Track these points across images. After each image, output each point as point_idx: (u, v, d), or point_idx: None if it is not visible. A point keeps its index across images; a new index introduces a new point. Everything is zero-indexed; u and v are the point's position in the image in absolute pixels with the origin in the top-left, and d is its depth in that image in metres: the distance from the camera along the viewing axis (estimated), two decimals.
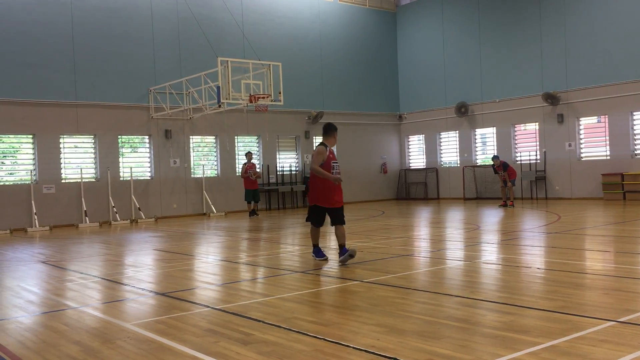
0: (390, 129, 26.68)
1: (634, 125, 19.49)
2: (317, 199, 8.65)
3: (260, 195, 19.77)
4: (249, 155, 18.97)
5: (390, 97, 26.71)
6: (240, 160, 22.18)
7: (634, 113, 19.40)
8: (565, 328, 4.65)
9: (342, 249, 8.44)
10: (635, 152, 19.42)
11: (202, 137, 21.55)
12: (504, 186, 19.21)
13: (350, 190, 24.19)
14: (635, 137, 19.49)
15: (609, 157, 19.93)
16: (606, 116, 20.06)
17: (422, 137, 26.24)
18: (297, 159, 23.74)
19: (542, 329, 4.70)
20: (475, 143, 24.46)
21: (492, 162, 20.06)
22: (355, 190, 24.52)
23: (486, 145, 24.30)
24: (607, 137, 20.05)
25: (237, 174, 21.89)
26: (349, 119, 24.95)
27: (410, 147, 27.02)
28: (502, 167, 19.17)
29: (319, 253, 8.93)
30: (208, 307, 6.09)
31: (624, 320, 4.77)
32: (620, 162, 19.56)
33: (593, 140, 20.84)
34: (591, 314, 5.07)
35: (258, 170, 19.67)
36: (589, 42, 20.24)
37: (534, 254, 9.20)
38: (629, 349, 4.08)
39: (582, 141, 20.99)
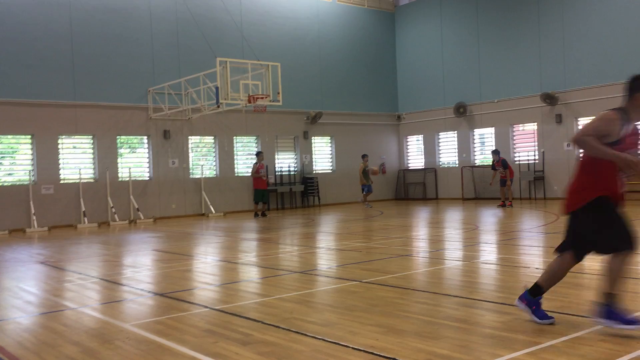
0: (389, 129, 26.69)
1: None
2: (602, 189, 4.65)
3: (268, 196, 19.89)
4: (260, 155, 19.05)
5: (389, 97, 26.72)
6: (239, 161, 22.20)
7: None
8: (564, 328, 4.66)
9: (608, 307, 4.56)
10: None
11: (201, 137, 21.55)
12: (502, 186, 19.03)
13: (349, 190, 24.21)
14: None
15: None
16: None
17: (420, 137, 26.25)
18: (295, 159, 23.74)
19: (541, 329, 4.71)
20: (474, 143, 24.48)
21: (492, 158, 19.65)
22: (354, 191, 24.52)
23: (485, 145, 24.32)
24: None
25: (236, 175, 21.91)
26: (347, 119, 24.97)
27: (409, 147, 27.03)
28: (502, 165, 19.04)
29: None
30: (207, 307, 6.09)
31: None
32: None
33: None
34: (589, 314, 5.08)
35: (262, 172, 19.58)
36: (587, 42, 20.26)
37: (533, 254, 9.21)
38: (627, 348, 4.09)
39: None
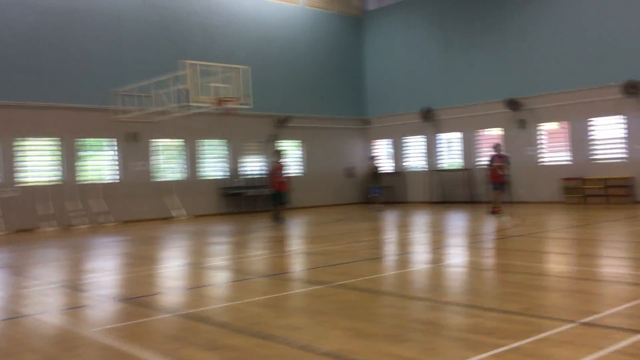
0: (357, 133, 26.80)
1: (592, 131, 19.98)
2: None
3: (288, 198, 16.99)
4: (278, 154, 17.09)
5: (357, 101, 26.84)
6: (208, 164, 21.99)
7: (592, 119, 19.89)
8: (528, 330, 4.72)
9: None
10: (593, 157, 19.91)
11: (169, 140, 21.28)
12: (499, 189, 16.04)
13: (317, 194, 24.20)
14: (592, 143, 19.99)
15: (570, 162, 20.38)
16: (567, 122, 20.53)
17: (388, 141, 26.43)
18: (264, 162, 23.63)
19: (506, 330, 4.76)
20: (441, 148, 24.75)
21: (494, 153, 16.19)
22: (322, 194, 24.54)
23: (451, 150, 24.61)
24: (568, 143, 20.52)
25: (202, 177, 21.72)
26: (316, 123, 24.98)
27: (376, 151, 27.16)
28: (505, 160, 16.10)
29: None
30: (172, 312, 5.99)
31: (586, 322, 4.86)
32: (581, 166, 20.03)
33: (555, 146, 21.29)
34: (554, 316, 5.16)
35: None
36: (550, 50, 20.69)
37: (498, 256, 9.34)
38: (591, 349, 4.15)
39: (543, 146, 21.42)
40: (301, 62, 24.76)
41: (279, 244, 12.31)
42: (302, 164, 24.80)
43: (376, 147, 27.04)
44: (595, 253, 9.28)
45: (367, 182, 20.63)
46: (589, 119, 19.93)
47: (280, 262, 9.72)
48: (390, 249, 10.77)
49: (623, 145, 19.21)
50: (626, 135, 19.08)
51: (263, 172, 23.41)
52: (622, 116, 19.11)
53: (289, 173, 16.76)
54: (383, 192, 20.88)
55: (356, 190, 26.44)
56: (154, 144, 20.75)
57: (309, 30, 25.14)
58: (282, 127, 23.71)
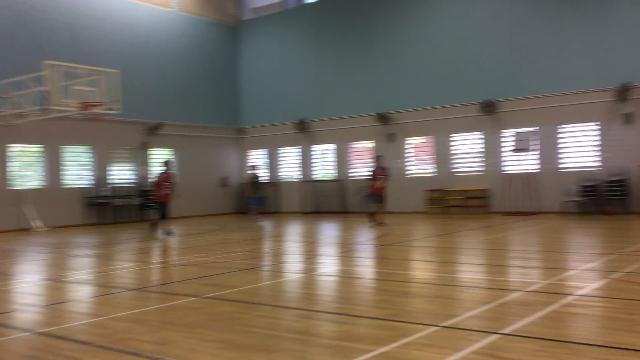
0: (232, 142, 26.60)
1: (453, 145, 21.42)
2: None
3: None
4: (167, 164, 16.01)
5: (232, 110, 26.66)
6: (69, 172, 20.70)
7: (454, 135, 21.33)
8: (395, 335, 4.92)
9: None
10: (454, 170, 21.33)
11: (26, 145, 19.75)
12: (379, 201, 16.51)
13: (190, 204, 23.61)
14: (454, 157, 21.43)
15: (434, 174, 21.66)
16: (432, 136, 21.82)
17: (263, 151, 26.49)
18: (133, 171, 22.69)
19: (375, 336, 4.93)
20: (314, 159, 25.23)
21: (376, 165, 16.61)
22: (195, 204, 24.00)
23: (325, 161, 25.18)
24: (432, 156, 21.81)
25: (64, 186, 20.41)
26: (189, 131, 24.45)
27: (251, 161, 27.10)
28: (386, 172, 16.76)
29: None
30: (29, 331, 5.54)
31: (446, 325, 5.17)
32: (443, 179, 21.35)
33: (421, 159, 22.52)
34: (418, 321, 5.43)
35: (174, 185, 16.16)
36: (417, 69, 21.92)
37: (367, 265, 9.67)
38: (451, 351, 4.42)
39: (410, 159, 22.58)
40: (174, 68, 24.17)
41: (148, 255, 11.85)
42: (158, 176, 24.04)
43: (251, 156, 27.00)
44: (455, 260, 9.90)
45: (247, 192, 20.14)
46: (451, 134, 21.33)
47: (149, 274, 9.36)
48: (264, 259, 10.77)
49: (481, 160, 20.76)
50: (483, 150, 20.65)
51: (133, 180, 22.49)
52: (480, 132, 20.67)
53: (175, 184, 15.83)
54: (264, 202, 20.52)
55: (231, 200, 26.19)
56: (10, 149, 19.18)
57: (182, 36, 24.62)
58: (153, 134, 22.94)
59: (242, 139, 26.89)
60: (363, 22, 23.28)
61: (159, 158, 23.71)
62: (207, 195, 24.93)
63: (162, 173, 15.78)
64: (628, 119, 17.78)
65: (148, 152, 23.10)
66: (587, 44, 18.46)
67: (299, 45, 25.23)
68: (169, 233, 15.28)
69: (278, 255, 11.19)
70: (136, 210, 22.19)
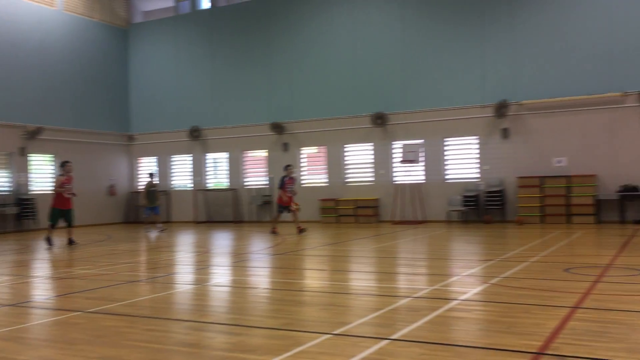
0: (120, 149, 25.55)
1: (346, 156, 21.93)
2: None
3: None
4: (65, 165, 14.87)
5: (121, 116, 25.63)
6: None
7: (346, 145, 21.84)
8: (289, 344, 4.91)
9: None
10: (347, 180, 21.82)
11: None
12: (288, 211, 16.44)
13: (75, 213, 22.30)
14: (346, 167, 21.93)
15: (326, 184, 22.01)
16: (325, 147, 22.19)
17: (154, 159, 25.68)
18: (9, 178, 21.14)
19: (268, 346, 4.90)
20: (208, 167, 24.84)
21: (285, 174, 16.42)
22: (80, 213, 22.69)
23: (218, 169, 24.85)
24: (325, 166, 22.18)
25: None
26: (73, 136, 23.20)
27: (140, 169, 26.21)
28: (295, 181, 16.73)
29: None
30: None
31: (338, 333, 5.24)
32: (336, 188, 21.77)
33: (314, 168, 22.83)
34: (310, 329, 5.47)
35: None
36: (311, 80, 22.25)
37: (261, 274, 9.62)
38: (342, 358, 4.48)
39: (304, 169, 22.83)
40: (57, 70, 22.86)
41: (26, 268, 11.06)
42: (55, 180, 22.72)
43: (141, 164, 26.10)
44: (347, 268, 10.10)
45: (143, 201, 19.14)
46: (344, 145, 21.82)
47: (27, 288, 8.73)
48: (153, 271, 10.40)
49: (372, 170, 21.38)
50: (373, 161, 21.29)
51: (7, 188, 20.95)
52: (371, 144, 21.30)
53: (72, 189, 14.75)
54: (159, 211, 19.66)
55: (119, 210, 25.13)
56: None
57: (67, 37, 23.37)
58: (33, 139, 21.52)
59: (132, 146, 25.92)
60: (259, 31, 23.31)
61: (39, 165, 22.31)
62: (93, 205, 23.70)
63: (60, 176, 14.71)
64: (505, 134, 19.08)
65: (27, 158, 21.63)
66: (469, 64, 19.63)
67: (193, 51, 24.78)
68: (49, 241, 14.31)
69: (168, 267, 10.85)
70: (14, 220, 20.67)
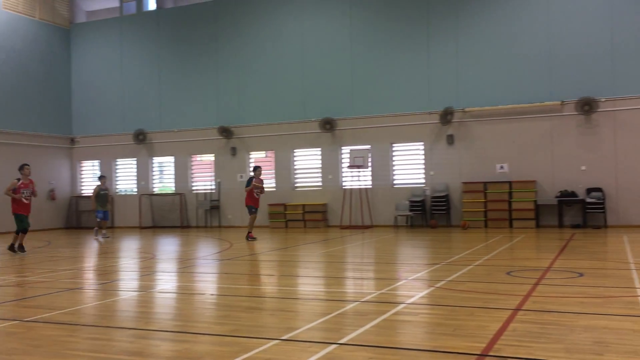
0: (61, 152, 24.75)
1: (295, 161, 21.93)
2: None
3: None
4: (24, 168, 14.07)
5: (62, 118, 24.84)
6: None
7: (295, 150, 21.85)
8: (236, 350, 4.86)
9: None
10: (295, 185, 21.82)
11: None
12: (254, 213, 16.06)
13: (10, 218, 21.46)
14: (295, 172, 21.92)
15: (275, 189, 21.94)
16: (273, 151, 22.13)
17: (97, 162, 25.01)
18: None
19: (215, 353, 4.83)
20: (154, 171, 24.37)
21: (252, 174, 16.27)
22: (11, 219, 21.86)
23: (164, 174, 24.42)
24: (274, 171, 22.11)
25: None
26: (10, 138, 22.32)
27: (83, 173, 25.47)
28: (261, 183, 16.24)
29: None
30: None
31: (286, 338, 5.22)
32: (284, 193, 21.73)
33: (263, 173, 22.63)
34: (258, 335, 5.42)
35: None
36: (259, 84, 22.16)
37: (208, 280, 9.49)
38: None
39: (252, 173, 22.63)
40: None
41: None
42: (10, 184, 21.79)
43: (84, 168, 25.39)
44: (295, 273, 10.08)
45: (93, 205, 18.24)
46: (292, 150, 21.81)
47: None
48: (95, 277, 10.10)
49: (320, 175, 21.45)
50: (322, 166, 21.37)
51: None
52: (319, 149, 21.39)
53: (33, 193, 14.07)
54: (108, 217, 18.73)
55: (60, 215, 24.34)
56: None
57: (5, 35, 22.53)
58: None
59: (74, 149, 25.17)
60: (207, 34, 23.07)
61: None
62: (33, 210, 22.61)
63: (17, 180, 13.94)
64: (450, 140, 19.50)
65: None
66: (416, 71, 19.98)
67: (139, 53, 24.30)
68: (21, 248, 13.68)
69: (112, 273, 10.57)
70: None
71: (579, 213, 17.79)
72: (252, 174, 16.45)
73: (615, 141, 17.71)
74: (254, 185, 15.83)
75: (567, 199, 17.84)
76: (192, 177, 23.58)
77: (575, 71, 18.11)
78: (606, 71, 17.79)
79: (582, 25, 18.11)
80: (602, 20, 17.90)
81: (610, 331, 5.19)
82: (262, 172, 21.10)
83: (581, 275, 8.47)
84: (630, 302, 6.52)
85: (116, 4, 25.11)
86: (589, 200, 17.47)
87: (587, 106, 17.73)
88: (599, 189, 17.59)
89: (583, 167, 17.95)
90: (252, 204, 16.00)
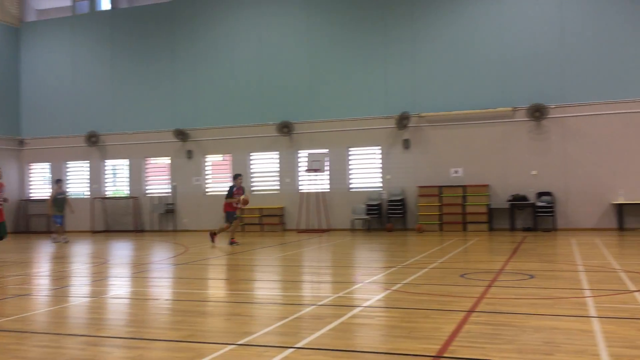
0: (9, 154, 23.95)
1: (252, 164, 21.82)
2: None
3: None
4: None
5: (10, 119, 24.06)
6: None
7: (252, 154, 21.74)
8: (191, 356, 4.79)
9: None
10: (252, 189, 21.69)
11: None
12: (235, 219, 16.00)
13: None
14: (252, 175, 21.80)
15: None
16: (230, 155, 21.96)
17: (47, 165, 24.31)
18: None
19: (169, 359, 4.75)
20: (107, 174, 23.85)
21: (233, 184, 15.96)
22: None
23: (117, 176, 23.92)
24: (231, 174, 21.91)
25: None
26: None
27: (32, 175, 24.72)
28: (242, 191, 16.17)
29: None
30: None
31: (242, 343, 5.17)
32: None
33: (219, 176, 22.51)
34: (214, 340, 5.36)
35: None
36: (217, 87, 21.96)
37: (163, 285, 9.34)
38: None
39: (208, 177, 22.47)
40: None
41: None
42: None
43: (32, 170, 24.65)
44: (252, 277, 10.02)
45: (50, 209, 17.79)
46: (249, 153, 21.70)
47: None
48: (45, 283, 9.80)
49: (277, 179, 21.39)
50: (279, 169, 21.32)
51: None
52: (276, 152, 21.34)
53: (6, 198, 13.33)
54: (64, 222, 18.22)
55: (7, 218, 23.48)
56: None
57: None
58: None
59: (22, 151, 24.41)
60: (162, 35, 22.75)
61: None
62: None
63: None
64: (406, 144, 19.75)
65: None
66: (373, 76, 20.16)
67: (92, 53, 23.76)
68: None
69: (63, 279, 10.28)
70: None
71: (530, 216, 18.27)
72: (233, 182, 16.08)
73: (564, 146, 18.27)
74: (233, 200, 15.61)
75: (518, 202, 18.29)
76: (147, 181, 23.18)
77: (527, 78, 18.61)
78: (556, 79, 18.35)
79: (533, 34, 18.63)
80: (552, 30, 18.46)
81: (559, 331, 5.33)
82: (218, 175, 20.90)
83: (532, 277, 8.69)
84: (578, 303, 6.72)
85: (68, 3, 24.52)
86: (539, 204, 17.96)
87: (537, 112, 18.24)
88: (548, 193, 18.11)
89: (534, 172, 18.45)
90: (231, 210, 15.77)
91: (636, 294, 7.10)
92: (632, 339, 5.03)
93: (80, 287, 9.25)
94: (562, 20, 18.37)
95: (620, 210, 17.49)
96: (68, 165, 24.17)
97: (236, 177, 16.24)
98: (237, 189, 15.88)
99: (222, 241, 16.93)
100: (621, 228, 17.46)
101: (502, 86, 18.81)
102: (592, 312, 6.14)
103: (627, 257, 11.43)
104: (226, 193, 15.95)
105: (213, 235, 15.98)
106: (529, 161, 18.53)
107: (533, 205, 18.10)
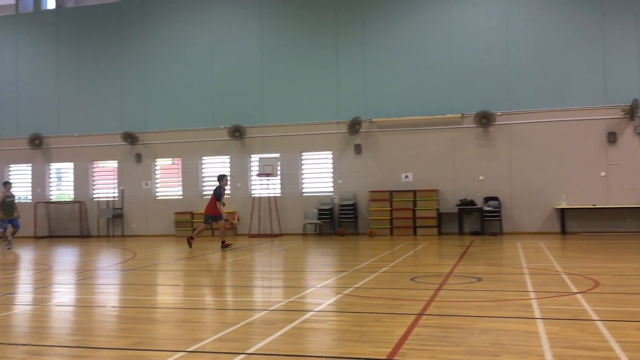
0: None
1: (203, 168, 21.56)
2: None
3: None
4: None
5: None
6: None
7: (203, 158, 21.48)
8: None
9: None
10: (203, 193, 21.43)
11: None
12: (220, 219, 15.45)
13: None
14: (203, 180, 21.55)
15: (181, 197, 21.45)
16: (180, 159, 21.64)
17: None
18: None
19: None
20: (50, 178, 23.13)
21: (220, 185, 15.48)
22: None
23: (62, 180, 23.22)
24: (180, 178, 21.62)
25: None
26: None
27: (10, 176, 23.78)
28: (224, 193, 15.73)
29: None
30: None
31: (193, 350, 5.09)
32: (191, 201, 21.28)
33: (168, 180, 22.15)
34: (163, 347, 5.26)
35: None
36: (167, 88, 21.62)
37: (110, 292, 9.11)
38: None
39: (158, 181, 22.07)
40: None
41: None
42: None
43: None
44: (202, 283, 9.88)
45: None
46: (200, 157, 21.44)
47: None
48: None
49: (229, 183, 21.17)
50: (230, 174, 21.12)
51: None
52: (227, 156, 21.15)
53: None
54: (18, 224, 17.34)
55: None
56: None
57: None
58: None
59: None
60: (109, 35, 22.26)
61: None
62: None
63: None
64: (357, 149, 19.92)
65: None
66: (325, 81, 20.24)
67: (36, 53, 23.04)
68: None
69: (3, 287, 9.88)
70: None
71: (478, 221, 18.69)
72: (219, 183, 15.58)
73: (510, 152, 18.79)
74: (228, 213, 15.18)
75: (466, 207, 18.69)
76: (94, 185, 22.59)
77: (475, 86, 19.06)
78: (502, 87, 18.87)
79: (481, 43, 19.11)
80: (499, 39, 18.98)
81: (505, 333, 5.47)
82: (167, 179, 20.60)
83: (479, 280, 8.89)
84: (524, 305, 6.91)
85: (12, 1, 23.70)
86: (486, 208, 18.40)
87: (484, 119, 18.71)
88: (495, 198, 18.58)
89: (481, 177, 18.89)
90: (213, 213, 15.34)
91: (578, 295, 7.36)
92: (574, 339, 5.20)
93: (22, 294, 8.92)
94: (507, 32, 18.91)
95: (563, 214, 18.10)
96: (10, 168, 23.32)
97: (221, 177, 15.71)
98: (223, 190, 15.49)
99: (167, 245, 16.66)
100: (563, 232, 18.07)
101: (451, 93, 19.21)
102: (537, 313, 6.32)
103: (569, 260, 11.83)
104: (214, 195, 15.33)
105: (190, 239, 15.42)
106: (476, 166, 18.97)
107: (480, 210, 18.53)
